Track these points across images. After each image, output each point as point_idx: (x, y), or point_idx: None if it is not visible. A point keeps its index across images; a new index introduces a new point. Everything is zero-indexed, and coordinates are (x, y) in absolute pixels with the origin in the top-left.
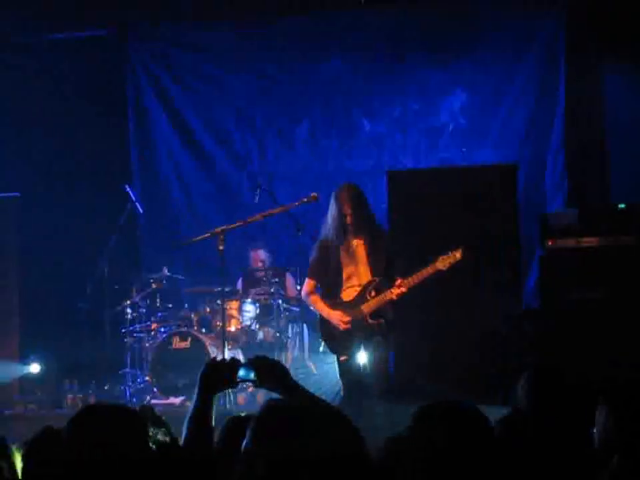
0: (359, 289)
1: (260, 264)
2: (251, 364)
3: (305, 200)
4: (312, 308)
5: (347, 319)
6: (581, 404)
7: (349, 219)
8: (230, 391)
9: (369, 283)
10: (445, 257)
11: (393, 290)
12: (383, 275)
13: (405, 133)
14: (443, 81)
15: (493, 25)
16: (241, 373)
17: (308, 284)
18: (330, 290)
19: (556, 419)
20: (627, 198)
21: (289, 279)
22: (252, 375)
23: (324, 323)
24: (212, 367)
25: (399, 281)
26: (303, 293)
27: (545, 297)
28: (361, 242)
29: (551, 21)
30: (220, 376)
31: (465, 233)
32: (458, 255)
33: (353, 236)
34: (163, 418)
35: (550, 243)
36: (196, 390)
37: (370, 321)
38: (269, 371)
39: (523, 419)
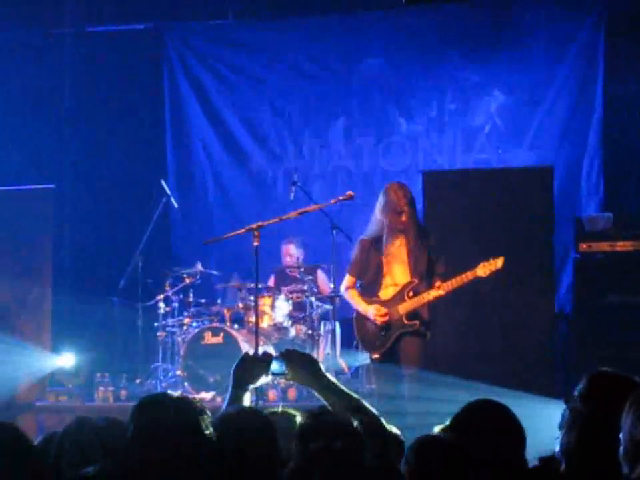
0: (396, 288)
1: (289, 258)
2: (282, 357)
3: (341, 198)
4: (350, 303)
5: (384, 311)
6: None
7: (403, 217)
8: (262, 386)
9: (408, 283)
10: (485, 263)
11: (430, 292)
12: (424, 275)
13: (441, 133)
14: (481, 82)
15: (531, 26)
16: (274, 366)
17: (347, 280)
18: (368, 288)
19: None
20: None
21: (321, 277)
22: (284, 369)
23: (359, 320)
24: (245, 361)
25: (437, 284)
26: (342, 288)
27: (578, 301)
28: (404, 241)
29: (590, 23)
30: (253, 370)
31: (500, 234)
32: (499, 263)
33: (400, 234)
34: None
35: (584, 247)
36: (230, 384)
37: (406, 321)
38: (300, 365)
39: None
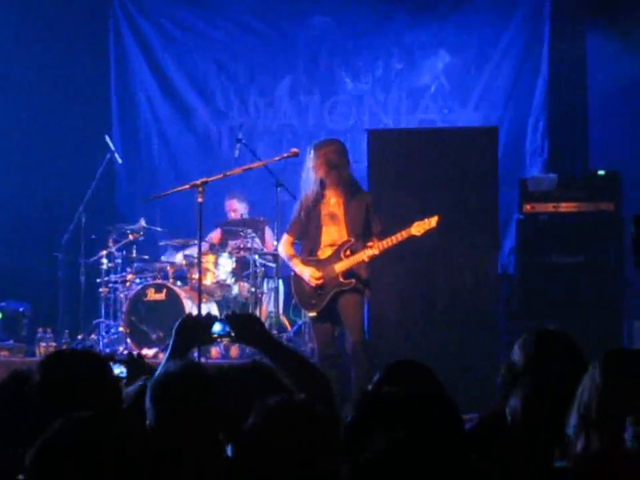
0: (334, 247)
1: (234, 214)
2: (227, 319)
3: (285, 155)
4: (286, 262)
5: (319, 274)
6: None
7: (327, 176)
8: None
9: (345, 242)
10: (420, 222)
11: (365, 251)
12: (360, 235)
13: (386, 92)
14: (427, 42)
15: None
16: (217, 328)
17: (285, 239)
18: (308, 248)
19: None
20: (606, 165)
21: (268, 233)
22: (228, 330)
23: (296, 278)
24: (187, 321)
25: (371, 243)
26: (279, 247)
27: (521, 261)
28: (340, 200)
29: None
30: (195, 331)
31: (444, 194)
32: (433, 222)
33: (332, 193)
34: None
35: (528, 208)
36: (170, 344)
37: (342, 279)
38: (245, 326)
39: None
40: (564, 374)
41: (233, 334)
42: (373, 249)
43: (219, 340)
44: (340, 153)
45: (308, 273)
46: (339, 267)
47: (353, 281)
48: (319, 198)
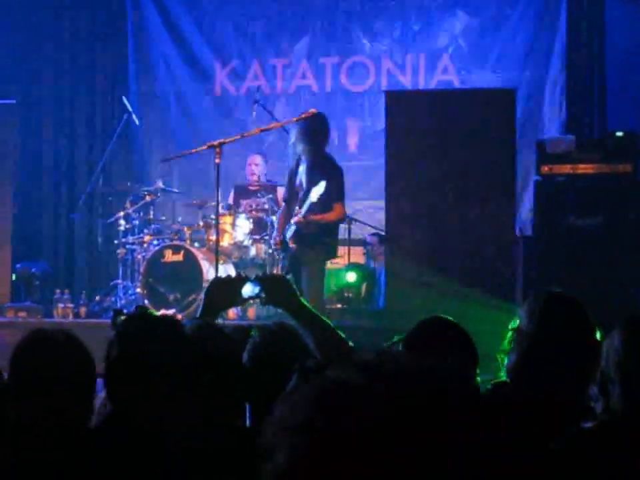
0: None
1: (255, 167)
2: (258, 280)
3: (303, 116)
4: None
5: (278, 240)
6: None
7: (300, 147)
8: None
9: (298, 212)
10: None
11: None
12: (315, 205)
13: (404, 53)
14: (445, 3)
15: None
16: (247, 289)
17: (282, 206)
18: (289, 213)
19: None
20: (625, 125)
21: (281, 194)
22: (259, 292)
23: None
24: (218, 283)
25: (297, 210)
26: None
27: (538, 223)
28: (305, 169)
29: None
30: (226, 292)
31: (461, 155)
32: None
33: (304, 164)
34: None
35: (546, 169)
36: (200, 307)
37: (290, 244)
38: (276, 288)
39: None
40: (565, 337)
41: (263, 295)
42: (296, 220)
43: (249, 302)
44: (313, 128)
45: (273, 239)
46: (289, 232)
47: (294, 246)
48: (295, 167)
